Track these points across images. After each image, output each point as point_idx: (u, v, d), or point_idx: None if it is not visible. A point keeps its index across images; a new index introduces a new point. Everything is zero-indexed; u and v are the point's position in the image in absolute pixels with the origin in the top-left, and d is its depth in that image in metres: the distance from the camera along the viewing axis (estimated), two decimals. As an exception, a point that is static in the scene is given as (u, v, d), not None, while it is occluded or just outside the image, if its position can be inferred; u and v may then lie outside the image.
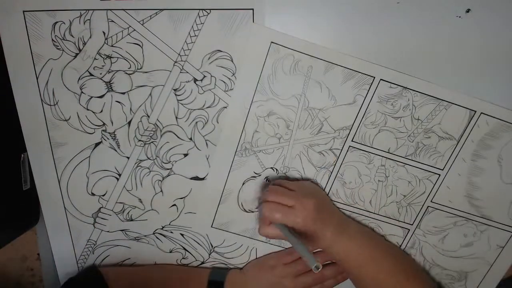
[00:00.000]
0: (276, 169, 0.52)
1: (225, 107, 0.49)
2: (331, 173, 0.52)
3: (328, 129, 0.50)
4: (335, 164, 0.51)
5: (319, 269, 0.38)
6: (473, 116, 0.49)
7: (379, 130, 0.50)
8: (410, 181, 0.52)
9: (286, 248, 0.56)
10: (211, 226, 0.55)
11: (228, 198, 0.53)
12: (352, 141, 0.50)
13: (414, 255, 0.56)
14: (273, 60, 0.47)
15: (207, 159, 0.52)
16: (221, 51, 0.47)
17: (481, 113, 0.49)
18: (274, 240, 0.56)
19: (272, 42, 0.46)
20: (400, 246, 0.56)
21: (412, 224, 0.55)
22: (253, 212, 0.54)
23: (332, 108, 0.49)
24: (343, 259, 0.49)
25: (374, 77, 0.47)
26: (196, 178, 0.52)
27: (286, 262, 0.54)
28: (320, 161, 0.51)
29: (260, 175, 0.52)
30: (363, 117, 0.49)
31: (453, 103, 0.48)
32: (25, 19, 0.45)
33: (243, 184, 0.52)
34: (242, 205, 0.53)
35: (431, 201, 0.54)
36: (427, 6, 0.45)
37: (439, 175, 0.52)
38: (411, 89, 0.48)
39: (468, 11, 0.45)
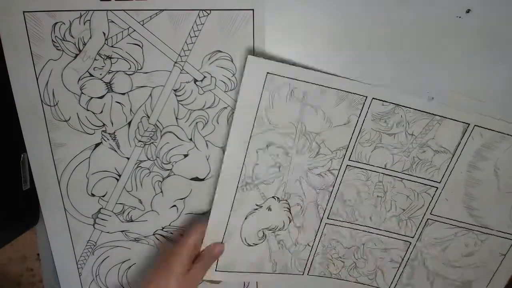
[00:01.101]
0: (278, 198, 0.51)
1: (225, 108, 0.49)
2: (331, 193, 0.52)
3: (326, 151, 0.50)
4: (334, 184, 0.51)
5: None
6: (467, 128, 0.49)
7: (375, 147, 0.50)
8: (408, 195, 0.52)
9: None
10: (216, 270, 0.54)
11: (231, 236, 0.52)
12: (349, 160, 0.50)
13: (417, 267, 0.56)
14: (270, 90, 0.46)
15: (207, 159, 0.51)
16: (221, 52, 0.47)
17: (475, 125, 0.49)
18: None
19: (268, 72, 0.46)
20: (403, 259, 0.56)
21: (413, 237, 0.55)
22: (257, 245, 0.53)
23: (327, 130, 0.49)
24: None
25: (367, 97, 0.47)
26: (196, 179, 0.52)
27: None
28: (320, 182, 0.51)
29: (261, 206, 0.52)
30: (358, 136, 0.49)
31: (446, 117, 0.49)
32: (25, 19, 0.45)
33: (245, 218, 0.52)
34: (245, 240, 0.53)
35: (430, 214, 0.54)
36: (427, 6, 0.44)
37: (437, 187, 0.52)
38: (403, 106, 0.48)
39: (468, 11, 0.44)
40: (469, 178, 0.52)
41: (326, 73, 0.46)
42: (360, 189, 0.52)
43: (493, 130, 0.49)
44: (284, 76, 0.46)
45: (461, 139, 0.50)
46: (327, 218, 0.53)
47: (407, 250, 0.56)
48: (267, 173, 0.50)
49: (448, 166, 0.51)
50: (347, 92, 0.47)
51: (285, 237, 0.54)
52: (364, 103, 0.48)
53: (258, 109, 0.47)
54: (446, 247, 0.55)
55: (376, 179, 0.52)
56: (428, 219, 0.54)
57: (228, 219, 0.51)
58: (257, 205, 0.51)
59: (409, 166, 0.51)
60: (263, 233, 0.53)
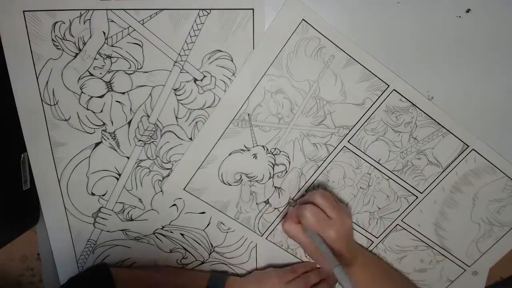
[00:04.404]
0: (267, 149, 0.51)
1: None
2: (319, 168, 0.52)
3: (330, 123, 0.50)
4: (325, 160, 0.51)
5: None
6: (465, 150, 0.50)
7: (377, 139, 0.50)
8: (389, 195, 0.53)
9: (287, 264, 0.57)
10: (184, 189, 0.53)
11: (210, 164, 0.51)
12: (348, 142, 0.51)
13: None
14: (299, 38, 0.46)
15: (207, 159, 0.51)
16: (221, 51, 0.47)
17: (473, 149, 0.50)
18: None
19: (303, 19, 0.45)
20: None
21: (377, 238, 0.55)
22: (230, 185, 0.53)
23: (339, 104, 0.49)
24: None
25: (389, 86, 0.48)
26: (196, 178, 0.52)
27: (288, 280, 0.53)
28: (312, 153, 0.51)
29: (249, 150, 0.51)
30: (365, 122, 0.49)
31: (451, 132, 0.49)
32: (25, 19, 0.45)
33: (229, 154, 0.51)
34: (221, 175, 0.52)
35: (401, 220, 0.54)
36: (427, 6, 0.45)
37: (417, 197, 0.53)
38: (418, 108, 0.48)
39: (468, 11, 0.45)
40: (449, 198, 0.53)
41: (359, 47, 0.46)
42: (346, 175, 0.52)
43: (487, 160, 0.51)
44: (317, 30, 0.45)
45: (456, 158, 0.51)
46: (305, 191, 0.53)
47: (367, 248, 0.56)
48: (266, 119, 0.49)
49: (435, 180, 0.52)
50: (373, 74, 0.47)
51: (259, 191, 0.53)
52: (384, 91, 0.48)
53: (281, 51, 0.46)
54: (403, 256, 0.56)
55: (366, 170, 0.52)
56: (397, 224, 0.55)
57: (212, 147, 0.50)
58: (245, 146, 0.51)
59: (401, 168, 0.52)
60: (241, 177, 0.52)
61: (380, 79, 0.47)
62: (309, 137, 0.50)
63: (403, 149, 0.51)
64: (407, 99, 0.48)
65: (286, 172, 0.52)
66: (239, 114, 0.49)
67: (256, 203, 0.54)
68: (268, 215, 0.54)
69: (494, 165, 0.51)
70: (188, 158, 0.51)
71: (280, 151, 0.51)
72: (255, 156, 0.51)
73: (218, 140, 0.50)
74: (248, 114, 0.49)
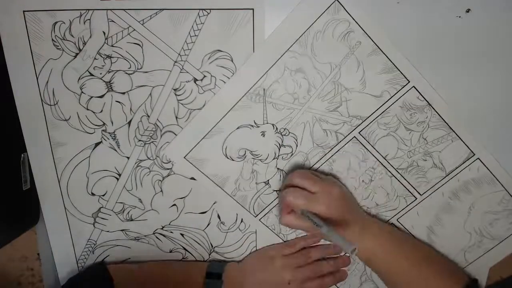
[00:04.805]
0: (276, 128, 0.50)
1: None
2: (325, 155, 0.51)
3: (344, 111, 0.49)
4: (332, 148, 0.51)
5: (356, 251, 0.37)
6: (470, 158, 0.50)
7: (388, 134, 0.50)
8: (389, 193, 0.53)
9: (285, 241, 0.56)
10: (184, 157, 0.51)
11: (215, 135, 0.50)
12: (359, 133, 0.50)
13: (358, 263, 0.56)
14: (329, 18, 0.45)
15: (207, 159, 0.51)
16: (221, 51, 0.47)
17: (478, 158, 0.50)
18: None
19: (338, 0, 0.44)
20: None
21: None
22: (233, 160, 0.52)
23: (357, 93, 0.48)
24: (368, 257, 0.49)
25: (409, 82, 0.47)
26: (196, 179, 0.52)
27: (286, 253, 0.53)
28: (321, 139, 0.51)
29: (258, 126, 0.50)
30: (380, 115, 0.49)
31: (460, 139, 0.49)
32: (25, 19, 0.45)
33: (237, 128, 0.50)
34: (225, 149, 0.51)
35: (397, 220, 0.54)
36: (427, 6, 0.45)
37: (416, 198, 0.53)
38: (434, 109, 0.48)
39: (468, 11, 0.45)
40: (446, 204, 0.53)
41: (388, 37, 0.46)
42: (351, 166, 0.52)
43: (489, 171, 0.51)
44: (349, 13, 0.45)
45: (460, 165, 0.51)
46: (286, 175, 0.52)
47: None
48: (281, 97, 0.48)
49: (436, 184, 0.52)
50: (396, 67, 0.47)
51: (261, 171, 0.52)
52: (404, 86, 0.48)
53: (308, 29, 0.45)
54: None
55: (371, 164, 0.52)
56: (392, 223, 0.54)
57: (221, 118, 0.49)
58: (255, 122, 0.50)
59: (406, 167, 0.51)
60: (245, 153, 0.51)
61: (402, 73, 0.47)
62: (321, 122, 0.50)
63: (411, 148, 0.50)
64: (424, 98, 0.48)
65: (292, 154, 0.51)
66: (255, 88, 0.48)
67: (256, 183, 0.53)
68: (266, 196, 0.54)
69: (495, 177, 0.51)
70: (193, 126, 0.50)
71: (289, 132, 0.50)
72: (263, 134, 0.50)
73: (228, 111, 0.49)
74: (264, 89, 0.48)
